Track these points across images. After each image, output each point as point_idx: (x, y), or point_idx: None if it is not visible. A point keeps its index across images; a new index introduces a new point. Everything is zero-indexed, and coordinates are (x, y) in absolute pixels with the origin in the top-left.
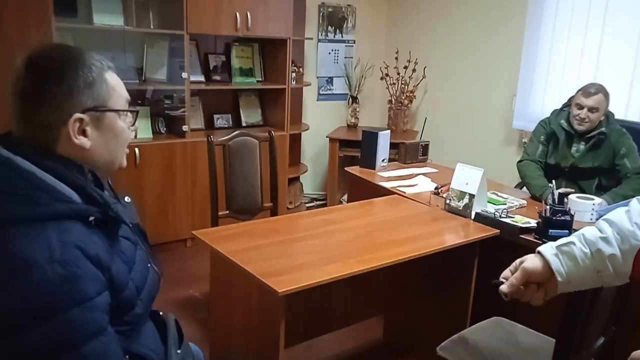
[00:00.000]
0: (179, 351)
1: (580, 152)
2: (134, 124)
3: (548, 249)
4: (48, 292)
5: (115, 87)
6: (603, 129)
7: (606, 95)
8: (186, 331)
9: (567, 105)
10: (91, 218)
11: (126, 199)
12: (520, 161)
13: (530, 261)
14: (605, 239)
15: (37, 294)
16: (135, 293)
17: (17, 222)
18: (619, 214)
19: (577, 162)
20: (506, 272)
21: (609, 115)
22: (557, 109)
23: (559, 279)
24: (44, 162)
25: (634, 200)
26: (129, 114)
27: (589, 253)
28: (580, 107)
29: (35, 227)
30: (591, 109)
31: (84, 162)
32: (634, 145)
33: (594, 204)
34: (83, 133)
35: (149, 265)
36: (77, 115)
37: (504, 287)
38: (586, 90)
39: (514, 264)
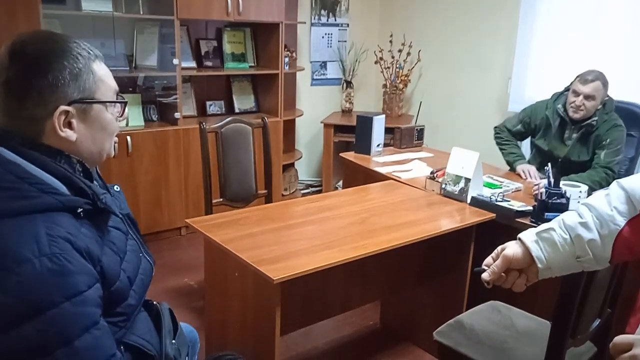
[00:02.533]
0: (173, 341)
1: (572, 142)
2: (122, 115)
3: (528, 235)
4: (38, 287)
5: (102, 77)
6: (594, 119)
7: (604, 83)
8: (182, 320)
9: (568, 89)
10: (79, 210)
11: (116, 188)
12: (496, 127)
13: (511, 248)
14: (585, 224)
15: (27, 289)
16: (128, 284)
17: (4, 217)
18: (598, 198)
19: (569, 154)
20: (488, 260)
21: (606, 103)
22: (557, 92)
23: (539, 265)
24: (30, 154)
25: (613, 184)
26: (116, 104)
27: (568, 239)
28: (577, 94)
29: (23, 221)
30: (587, 97)
31: (71, 154)
32: (620, 140)
33: (580, 191)
34: (69, 125)
35: (140, 254)
36: (63, 107)
37: (485, 275)
38: (584, 77)
39: (495, 251)
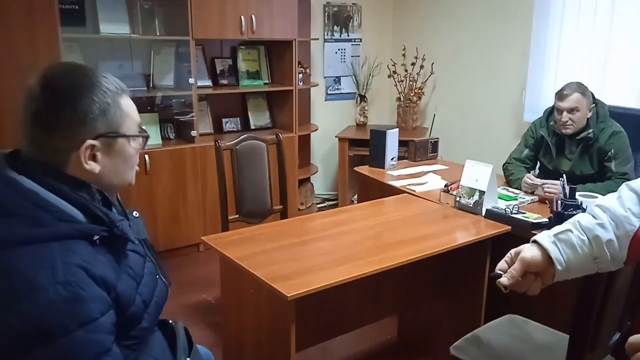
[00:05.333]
0: (188, 358)
1: (574, 157)
2: (143, 148)
3: (545, 237)
4: (51, 314)
5: (128, 112)
6: (590, 131)
7: (584, 92)
8: (199, 336)
9: None
10: (96, 237)
11: (134, 213)
12: (504, 164)
13: (529, 251)
14: (602, 225)
15: (41, 315)
16: (143, 308)
17: (21, 244)
18: (611, 201)
19: (574, 169)
20: (502, 264)
21: (599, 111)
22: (548, 108)
23: (559, 267)
24: (50, 182)
25: (623, 187)
26: (138, 137)
27: (586, 240)
28: (560, 112)
29: (39, 249)
30: (570, 110)
31: (92, 183)
32: (625, 146)
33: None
34: (93, 158)
35: (157, 277)
36: (90, 141)
37: (504, 280)
38: (561, 93)
39: (508, 254)
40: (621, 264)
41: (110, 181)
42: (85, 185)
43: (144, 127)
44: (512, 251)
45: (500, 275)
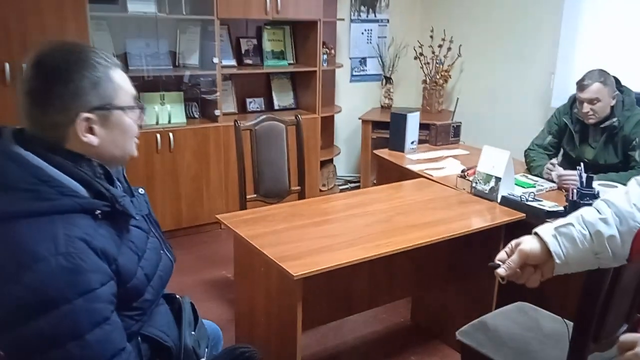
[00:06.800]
0: (193, 332)
1: (598, 145)
2: (141, 120)
3: (546, 230)
4: (52, 283)
5: (121, 84)
6: (615, 120)
7: (605, 81)
8: (217, 312)
9: None
10: (98, 212)
11: (140, 190)
12: (525, 150)
13: (528, 243)
14: (605, 220)
15: (42, 285)
16: (145, 281)
17: (25, 216)
18: (617, 195)
19: (598, 158)
20: (502, 254)
21: (625, 99)
22: (572, 95)
23: (557, 261)
24: (53, 158)
25: (632, 182)
26: (135, 108)
27: (587, 235)
28: (581, 103)
29: (43, 221)
30: (591, 101)
31: (94, 157)
32: None
33: None
34: (90, 131)
35: (161, 252)
36: (84, 114)
37: (501, 271)
38: (581, 84)
39: (509, 245)
40: (623, 261)
41: (111, 153)
42: (86, 160)
43: (139, 100)
44: (513, 242)
45: (499, 266)
